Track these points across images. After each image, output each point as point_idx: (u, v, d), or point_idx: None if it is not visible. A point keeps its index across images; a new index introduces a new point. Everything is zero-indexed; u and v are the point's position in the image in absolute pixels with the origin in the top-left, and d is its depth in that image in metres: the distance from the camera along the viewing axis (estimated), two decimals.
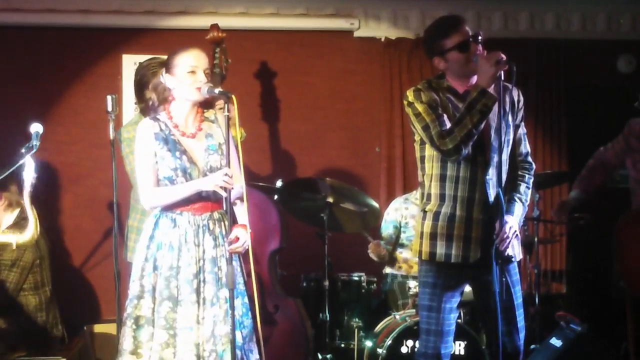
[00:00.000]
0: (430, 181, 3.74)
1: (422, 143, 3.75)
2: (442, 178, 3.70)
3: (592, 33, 6.46)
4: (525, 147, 3.83)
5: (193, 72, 3.62)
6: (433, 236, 3.70)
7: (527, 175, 3.82)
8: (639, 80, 6.47)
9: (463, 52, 3.66)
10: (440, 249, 3.69)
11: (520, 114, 3.80)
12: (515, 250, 3.71)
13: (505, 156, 3.70)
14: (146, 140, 3.63)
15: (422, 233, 3.75)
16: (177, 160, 3.61)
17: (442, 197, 3.71)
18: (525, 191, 3.80)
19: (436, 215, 3.71)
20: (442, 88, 3.71)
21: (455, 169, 3.68)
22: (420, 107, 3.66)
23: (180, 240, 3.61)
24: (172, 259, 3.59)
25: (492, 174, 3.65)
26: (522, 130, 3.82)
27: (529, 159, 3.85)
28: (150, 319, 3.56)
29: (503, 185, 3.68)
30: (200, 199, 3.63)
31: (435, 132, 3.61)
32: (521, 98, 3.81)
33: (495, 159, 3.66)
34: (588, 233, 6.04)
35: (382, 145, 6.27)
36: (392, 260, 5.55)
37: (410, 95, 3.71)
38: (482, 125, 3.58)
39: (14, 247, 4.62)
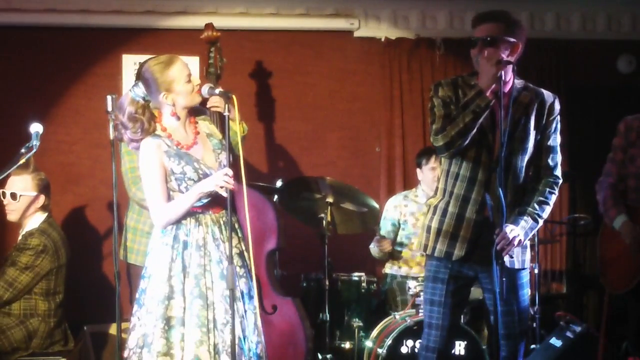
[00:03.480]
0: (441, 176, 3.81)
1: None
2: (447, 174, 3.76)
3: (592, 33, 6.46)
4: (553, 159, 3.74)
5: (189, 80, 3.61)
6: (428, 229, 3.78)
7: (547, 190, 3.71)
8: (639, 80, 6.48)
9: (472, 48, 3.69)
10: (431, 242, 3.75)
11: (553, 124, 3.73)
12: (518, 258, 3.69)
13: (520, 162, 3.67)
14: (155, 158, 3.57)
15: (423, 225, 3.84)
16: (197, 171, 3.60)
17: (443, 192, 3.77)
18: (542, 207, 3.69)
19: (434, 209, 3.78)
20: (468, 85, 3.69)
21: (458, 166, 3.70)
22: (435, 102, 3.71)
23: (206, 238, 3.61)
24: (200, 258, 3.59)
25: (495, 176, 3.60)
26: (553, 141, 3.73)
27: (556, 172, 3.74)
28: (181, 319, 3.54)
29: (512, 190, 3.67)
30: (217, 197, 3.61)
31: (434, 128, 3.65)
32: (556, 107, 3.74)
33: (503, 162, 3.58)
34: (588, 233, 6.05)
35: (382, 145, 6.27)
36: (391, 258, 5.54)
37: (432, 88, 3.75)
38: (475, 125, 3.57)
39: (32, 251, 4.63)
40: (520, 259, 3.71)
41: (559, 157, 3.77)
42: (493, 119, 3.64)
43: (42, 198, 4.74)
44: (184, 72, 3.59)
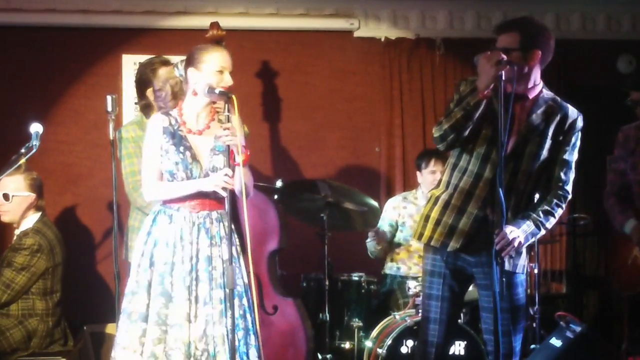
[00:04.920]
0: (446, 168, 3.85)
1: None
2: (454, 167, 3.79)
3: (592, 33, 6.46)
4: (566, 174, 3.72)
5: (221, 71, 3.66)
6: (427, 218, 3.80)
7: (555, 201, 3.70)
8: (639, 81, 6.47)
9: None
10: (428, 232, 3.78)
11: (572, 139, 3.72)
12: (510, 261, 3.69)
13: (530, 167, 3.68)
14: (155, 134, 3.66)
15: (421, 214, 3.87)
16: (179, 154, 3.63)
17: (447, 185, 3.80)
18: (546, 217, 3.69)
19: (436, 200, 3.81)
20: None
21: (466, 161, 3.73)
22: (455, 97, 3.73)
23: (175, 237, 3.62)
24: (167, 255, 3.61)
25: (500, 175, 3.55)
26: (569, 156, 3.72)
27: (567, 187, 3.73)
28: (144, 315, 3.57)
29: (517, 193, 3.68)
30: (198, 196, 3.64)
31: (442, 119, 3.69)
32: (578, 124, 3.74)
33: (513, 166, 3.64)
34: (588, 233, 6.05)
35: (382, 145, 6.26)
36: (386, 258, 5.54)
37: (456, 83, 3.78)
38: (467, 122, 3.59)
39: (27, 252, 4.62)
40: (513, 262, 3.71)
41: (572, 174, 3.75)
42: (511, 119, 3.62)
43: (35, 198, 4.73)
44: (218, 62, 3.66)
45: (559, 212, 3.73)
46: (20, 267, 4.59)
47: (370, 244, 5.46)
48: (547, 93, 3.76)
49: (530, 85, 3.68)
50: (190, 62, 3.68)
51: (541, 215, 3.69)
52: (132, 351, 3.55)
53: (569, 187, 3.75)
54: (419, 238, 3.83)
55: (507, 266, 3.67)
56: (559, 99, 3.78)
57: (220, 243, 3.64)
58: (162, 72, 4.08)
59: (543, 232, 3.73)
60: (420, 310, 4.79)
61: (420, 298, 4.72)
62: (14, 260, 4.60)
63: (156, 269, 3.60)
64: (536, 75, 3.70)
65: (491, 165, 3.67)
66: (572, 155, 3.75)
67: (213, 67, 3.64)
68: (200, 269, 3.61)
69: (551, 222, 3.72)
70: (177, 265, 3.60)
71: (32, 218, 4.75)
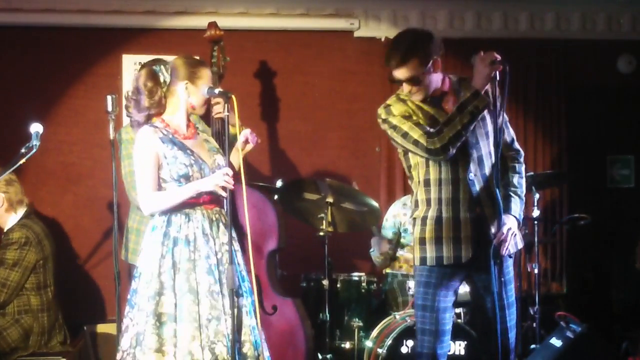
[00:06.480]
0: (417, 188, 3.78)
1: (406, 153, 3.78)
2: (427, 183, 3.73)
3: (592, 33, 6.46)
4: (509, 134, 3.83)
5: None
6: (422, 241, 3.73)
7: (517, 164, 3.83)
8: (639, 80, 6.48)
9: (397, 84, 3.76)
10: (431, 253, 3.70)
11: (497, 102, 3.72)
12: (512, 242, 3.71)
13: (486, 149, 3.71)
14: (149, 145, 3.62)
15: (414, 240, 3.79)
16: (190, 157, 3.64)
17: (427, 202, 3.74)
18: (519, 181, 3.81)
19: (424, 220, 3.74)
20: (409, 100, 3.73)
21: (437, 171, 3.70)
22: (394, 120, 3.69)
23: (196, 233, 3.63)
24: (189, 253, 3.61)
25: (474, 170, 3.66)
26: (504, 118, 3.74)
27: (516, 145, 3.85)
28: (173, 315, 3.56)
29: (494, 180, 3.65)
30: (210, 194, 3.65)
31: (419, 134, 3.63)
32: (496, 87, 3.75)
33: (475, 154, 3.66)
34: (588, 233, 6.05)
35: (382, 145, 6.26)
36: (393, 262, 5.54)
37: (382, 112, 3.74)
38: (471, 127, 3.60)
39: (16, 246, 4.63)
40: (513, 241, 3.71)
41: (512, 132, 3.87)
42: None
43: (5, 195, 4.72)
44: (209, 80, 3.73)
45: (523, 170, 3.86)
46: (12, 264, 4.61)
47: (373, 254, 5.47)
48: (453, 77, 3.79)
49: (440, 82, 3.70)
50: (182, 76, 3.69)
51: (516, 184, 3.80)
52: (164, 353, 3.53)
53: (517, 145, 3.86)
54: (423, 263, 3.74)
55: (511, 250, 3.69)
56: (464, 77, 3.78)
57: (234, 236, 3.69)
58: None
59: (524, 197, 3.82)
60: None
61: None
62: (4, 257, 4.62)
63: (180, 268, 3.60)
64: (439, 72, 3.70)
65: (461, 166, 3.67)
66: (505, 116, 3.77)
67: (206, 83, 3.71)
68: (226, 263, 3.64)
69: (524, 184, 3.84)
70: (202, 261, 3.61)
71: (17, 215, 4.76)
